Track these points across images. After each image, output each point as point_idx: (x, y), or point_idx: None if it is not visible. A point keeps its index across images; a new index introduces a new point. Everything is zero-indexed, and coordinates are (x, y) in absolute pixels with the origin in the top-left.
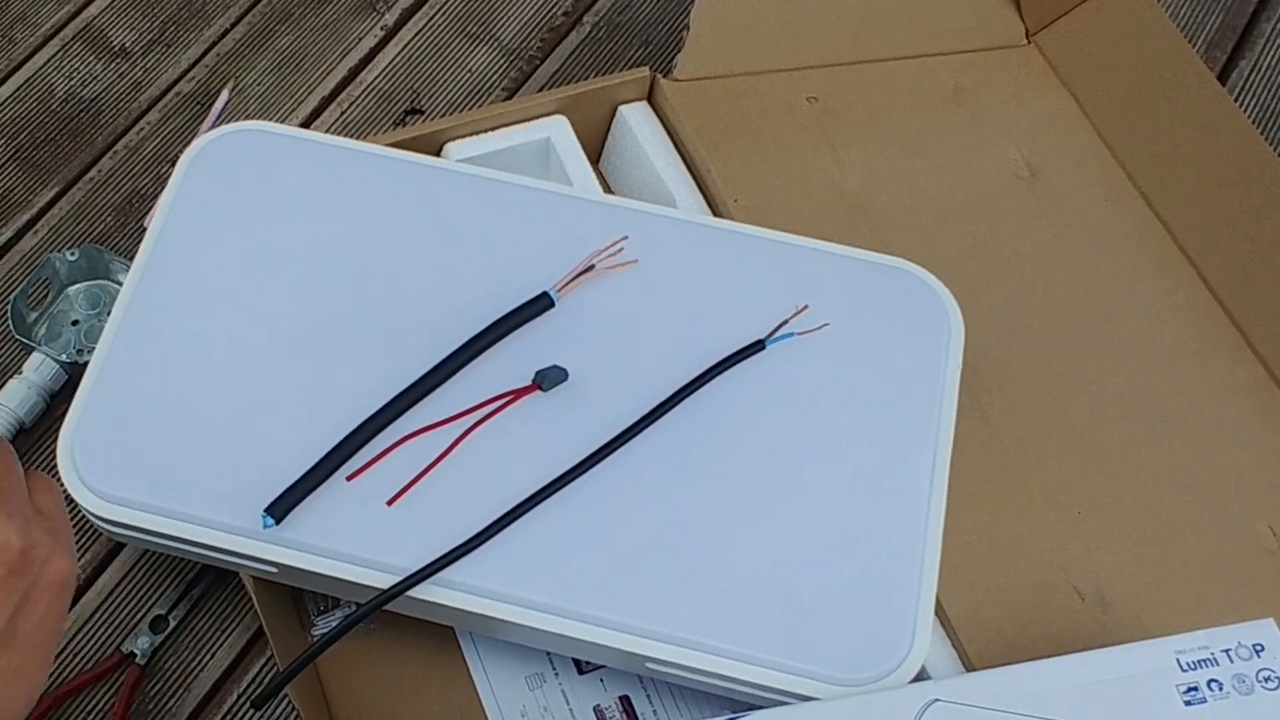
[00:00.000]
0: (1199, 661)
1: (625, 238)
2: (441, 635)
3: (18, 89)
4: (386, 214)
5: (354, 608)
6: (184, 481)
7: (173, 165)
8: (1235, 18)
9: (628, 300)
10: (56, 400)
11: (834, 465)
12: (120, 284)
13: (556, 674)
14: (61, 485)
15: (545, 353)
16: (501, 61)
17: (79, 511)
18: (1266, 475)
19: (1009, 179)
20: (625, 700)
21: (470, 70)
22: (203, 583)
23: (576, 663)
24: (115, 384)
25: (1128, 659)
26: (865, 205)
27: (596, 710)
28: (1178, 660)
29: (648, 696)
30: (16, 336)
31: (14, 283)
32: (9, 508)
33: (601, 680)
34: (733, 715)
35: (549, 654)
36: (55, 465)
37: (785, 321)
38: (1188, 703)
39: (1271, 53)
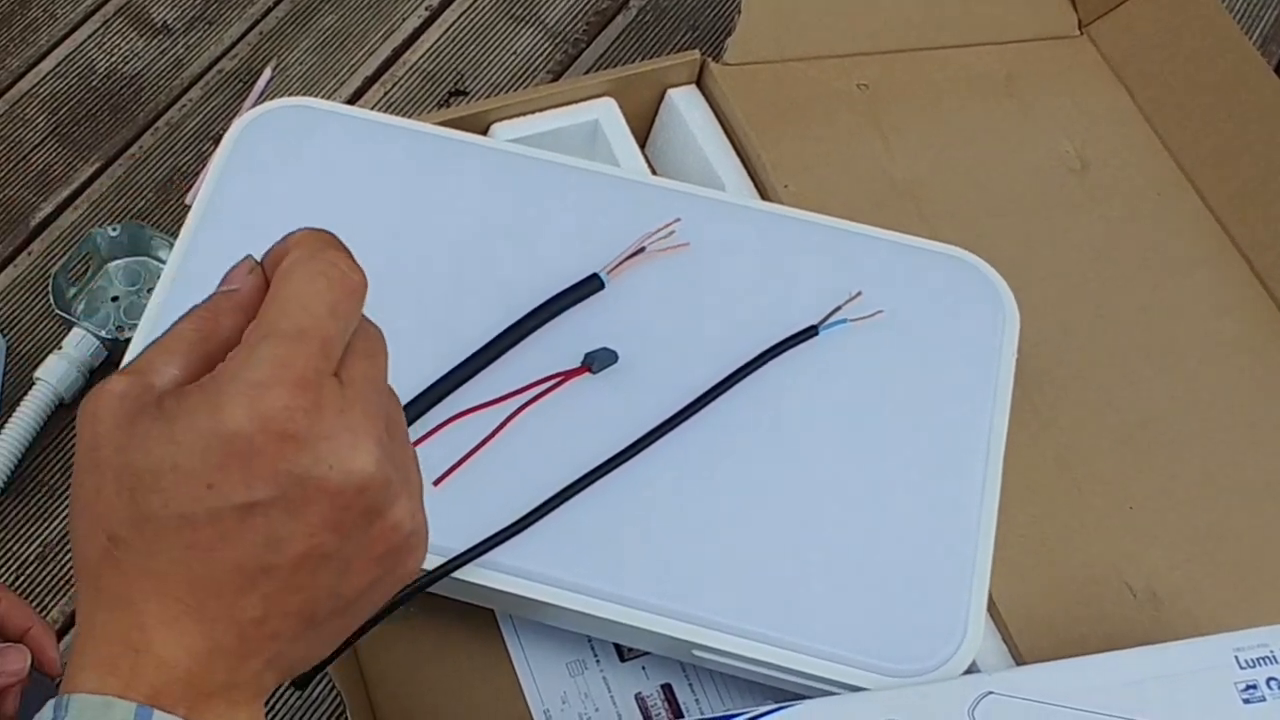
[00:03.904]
0: (1258, 659)
1: (678, 220)
2: (482, 619)
3: (59, 65)
4: (435, 192)
5: None
6: None
7: (214, 143)
8: None
9: (679, 283)
10: (96, 376)
11: (887, 454)
12: (160, 260)
13: (598, 660)
14: None
15: (595, 335)
16: (546, 44)
17: None
18: None
19: (1060, 170)
20: (668, 689)
21: (515, 52)
22: None
23: (618, 650)
24: None
25: (1185, 655)
26: (916, 193)
27: (638, 698)
28: (1236, 657)
29: (690, 685)
30: (56, 311)
31: (54, 257)
32: (412, 488)
33: (644, 668)
34: (778, 705)
35: (590, 640)
36: None
37: (839, 308)
38: (1246, 700)
39: None
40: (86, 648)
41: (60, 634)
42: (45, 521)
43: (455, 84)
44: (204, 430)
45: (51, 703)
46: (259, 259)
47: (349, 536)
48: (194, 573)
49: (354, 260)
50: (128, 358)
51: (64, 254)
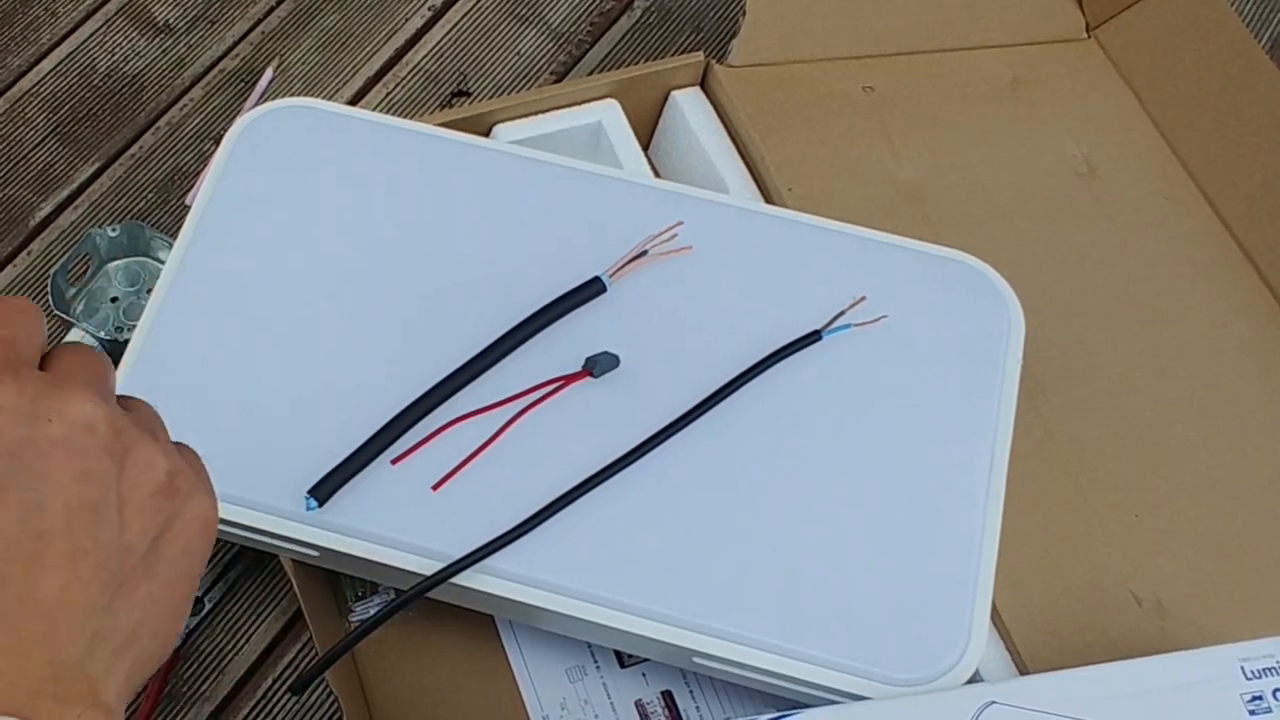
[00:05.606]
0: (1264, 670)
1: (680, 223)
2: (481, 624)
3: (60, 63)
4: (436, 194)
5: (393, 594)
6: (225, 462)
7: (215, 143)
8: None
9: (681, 287)
10: None
11: (890, 460)
12: (160, 261)
13: (598, 666)
14: None
15: (596, 338)
16: (550, 45)
17: None
18: None
19: (1067, 175)
20: (668, 695)
21: (519, 53)
22: (239, 565)
23: (618, 656)
24: (157, 363)
25: (1190, 665)
26: (921, 197)
27: (638, 705)
28: (1242, 668)
29: (690, 692)
30: (55, 312)
31: (54, 258)
32: (157, 432)
33: (644, 674)
34: (779, 713)
35: (590, 646)
36: None
37: (842, 312)
38: (1252, 712)
39: None
40: None
41: None
42: None
43: (458, 85)
44: None
45: None
46: None
47: (104, 482)
48: None
49: None
50: (126, 358)
51: (63, 254)
